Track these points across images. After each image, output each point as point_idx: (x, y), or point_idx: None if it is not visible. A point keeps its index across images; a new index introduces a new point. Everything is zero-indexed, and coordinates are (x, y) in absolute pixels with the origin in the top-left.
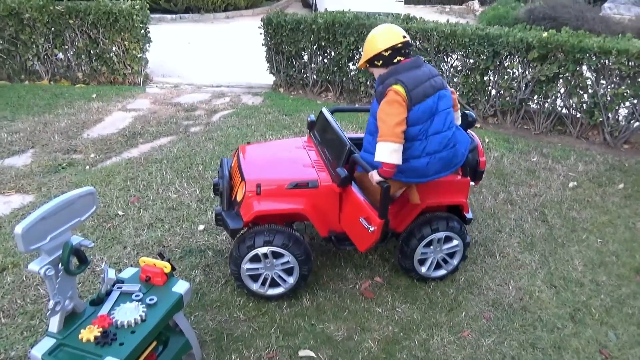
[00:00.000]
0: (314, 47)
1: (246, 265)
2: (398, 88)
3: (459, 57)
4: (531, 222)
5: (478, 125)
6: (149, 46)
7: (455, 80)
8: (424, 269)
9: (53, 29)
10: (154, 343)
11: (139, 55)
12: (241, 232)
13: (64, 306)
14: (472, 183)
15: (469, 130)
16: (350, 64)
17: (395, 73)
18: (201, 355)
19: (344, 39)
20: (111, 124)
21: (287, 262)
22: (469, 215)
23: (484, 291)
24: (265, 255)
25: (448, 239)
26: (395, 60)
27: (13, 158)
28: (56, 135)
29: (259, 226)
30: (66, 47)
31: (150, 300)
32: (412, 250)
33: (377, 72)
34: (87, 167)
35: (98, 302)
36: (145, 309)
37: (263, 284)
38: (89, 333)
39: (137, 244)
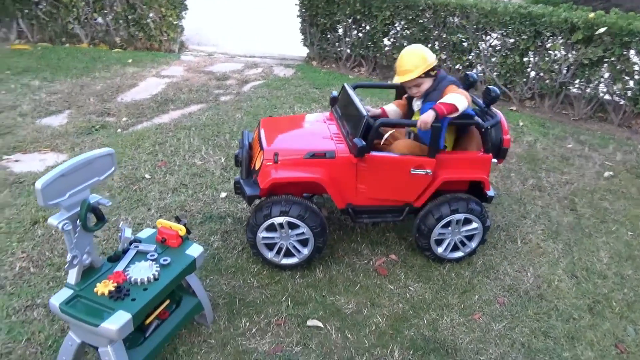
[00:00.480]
0: (349, 21)
1: (262, 234)
2: (454, 84)
3: (498, 36)
4: (559, 209)
5: (514, 107)
6: (185, 14)
7: (492, 60)
8: (440, 250)
9: None
10: (168, 301)
11: (175, 23)
12: (259, 201)
13: (82, 260)
14: (495, 161)
15: (492, 107)
16: (385, 39)
17: (443, 79)
18: (213, 317)
19: (380, 13)
20: (144, 90)
21: (302, 233)
22: (490, 192)
23: (500, 276)
24: (281, 225)
25: (467, 221)
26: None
27: (50, 118)
28: (92, 97)
29: (277, 196)
30: (105, 11)
31: (164, 260)
32: (430, 229)
33: (424, 82)
34: (119, 130)
35: (115, 259)
36: (158, 269)
37: (278, 253)
38: (104, 287)
39: (160, 206)
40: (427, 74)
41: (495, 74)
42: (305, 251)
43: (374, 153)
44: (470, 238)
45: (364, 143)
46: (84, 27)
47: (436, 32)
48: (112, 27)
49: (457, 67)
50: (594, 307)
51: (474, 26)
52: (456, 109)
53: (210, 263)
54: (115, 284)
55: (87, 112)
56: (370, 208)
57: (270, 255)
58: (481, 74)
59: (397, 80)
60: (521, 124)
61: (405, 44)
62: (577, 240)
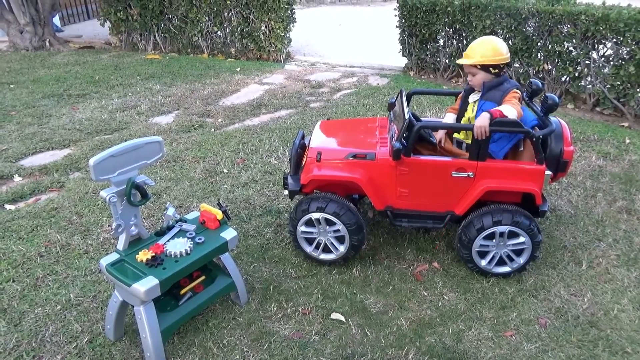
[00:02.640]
0: (449, 30)
1: (301, 228)
2: (518, 91)
3: (611, 45)
4: None
5: (626, 124)
6: (293, 26)
7: (604, 71)
8: (484, 262)
9: (215, 8)
10: (203, 277)
11: (282, 35)
12: (302, 197)
13: (128, 230)
14: (549, 173)
15: (552, 116)
16: None
17: (506, 81)
18: (247, 298)
19: (480, 22)
20: (244, 95)
21: (338, 230)
22: (542, 207)
23: (550, 297)
24: (319, 221)
25: (514, 235)
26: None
27: (160, 117)
28: (198, 101)
29: (317, 193)
30: (224, 25)
31: (199, 239)
32: (471, 240)
33: (478, 74)
34: (213, 129)
35: (160, 233)
36: (192, 245)
37: (317, 248)
38: (143, 255)
39: (229, 198)
40: (486, 68)
41: (607, 86)
42: (342, 248)
43: (414, 157)
44: (518, 253)
45: (399, 146)
46: (205, 40)
47: (540, 41)
48: (229, 39)
49: (563, 78)
50: None
51: (582, 34)
52: (504, 115)
53: (258, 251)
54: (153, 254)
55: (191, 113)
56: (411, 212)
57: (309, 249)
58: (589, 86)
59: (459, 60)
60: (627, 141)
61: None
62: None
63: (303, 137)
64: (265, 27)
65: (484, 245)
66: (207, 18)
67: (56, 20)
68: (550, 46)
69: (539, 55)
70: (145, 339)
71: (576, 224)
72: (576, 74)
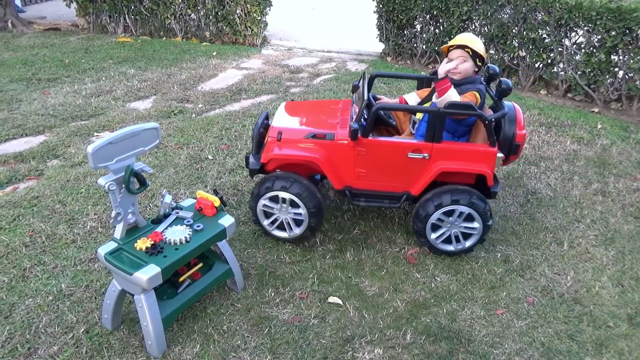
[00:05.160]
0: (426, 17)
1: (264, 202)
2: (477, 94)
3: (583, 33)
4: (620, 217)
5: (596, 109)
6: (269, 10)
7: (576, 58)
8: (434, 236)
9: None
10: (201, 264)
11: (258, 18)
12: (262, 175)
13: (126, 218)
14: (501, 155)
15: (507, 100)
16: None
17: (477, 82)
18: (243, 284)
19: (457, 9)
20: (223, 80)
21: (300, 214)
22: (494, 188)
23: (536, 276)
24: (284, 200)
25: (470, 218)
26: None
27: (137, 102)
28: (175, 86)
29: (282, 172)
30: (198, 7)
31: (197, 226)
32: (427, 215)
33: (468, 61)
34: (194, 115)
35: (157, 221)
36: (191, 233)
37: (273, 223)
38: (142, 243)
39: (216, 184)
40: (475, 58)
41: (578, 73)
42: (297, 230)
43: (372, 137)
44: (467, 237)
45: (357, 126)
46: (178, 22)
47: (515, 28)
48: (203, 22)
49: (536, 65)
50: (634, 317)
51: (556, 22)
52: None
53: (250, 238)
54: (152, 242)
55: (170, 98)
56: (369, 192)
57: (265, 222)
58: (562, 73)
59: (457, 40)
60: (599, 126)
61: (483, 41)
62: (633, 249)
63: (267, 118)
64: (241, 11)
65: (441, 219)
66: (180, 0)
67: (17, 0)
68: (525, 33)
69: (514, 42)
70: (146, 327)
71: (556, 206)
72: (549, 61)
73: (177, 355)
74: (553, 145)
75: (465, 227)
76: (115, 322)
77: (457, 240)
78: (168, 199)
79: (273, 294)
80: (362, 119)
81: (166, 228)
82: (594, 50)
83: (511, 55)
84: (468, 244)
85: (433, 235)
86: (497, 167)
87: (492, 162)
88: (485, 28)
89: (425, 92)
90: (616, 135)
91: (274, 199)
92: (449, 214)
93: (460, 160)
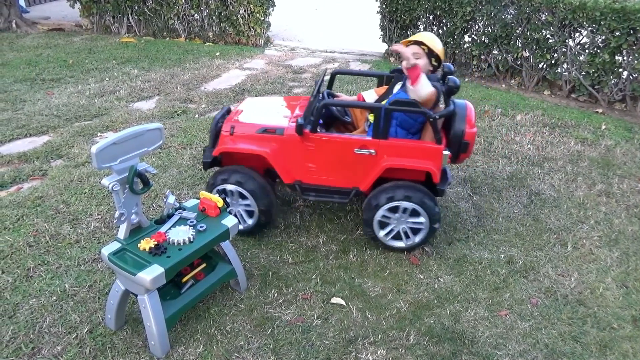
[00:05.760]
0: (430, 17)
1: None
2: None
3: (587, 33)
4: (625, 218)
5: (600, 110)
6: (272, 10)
7: (580, 59)
8: (382, 233)
9: None
10: (204, 265)
11: (261, 19)
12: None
13: (130, 219)
14: (447, 153)
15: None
16: (466, 37)
17: (431, 80)
18: (246, 284)
19: (460, 9)
20: (226, 80)
21: (249, 205)
22: (441, 185)
23: (540, 278)
24: (232, 193)
25: (416, 214)
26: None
27: (141, 102)
28: (179, 86)
29: (236, 166)
30: (201, 8)
31: (201, 227)
32: (377, 207)
33: (423, 58)
34: (197, 115)
35: (161, 221)
36: (194, 233)
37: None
38: (146, 244)
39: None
40: (431, 56)
41: (582, 73)
42: (250, 222)
43: (320, 133)
44: (415, 232)
45: (302, 121)
46: (182, 23)
47: (519, 28)
48: (207, 22)
49: (540, 65)
50: (639, 318)
51: (560, 22)
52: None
53: (253, 238)
54: (156, 242)
55: (173, 98)
56: (319, 187)
57: None
58: (565, 73)
59: (415, 36)
60: (603, 127)
61: (486, 41)
62: (637, 251)
63: (228, 112)
64: (244, 11)
65: (387, 216)
66: (183, 0)
67: (21, 0)
68: (528, 33)
69: (517, 42)
70: (149, 328)
71: (559, 207)
72: (553, 61)
73: (181, 356)
74: (557, 146)
75: (413, 223)
76: (118, 322)
77: (407, 237)
78: (171, 199)
79: (276, 294)
80: (311, 115)
81: (169, 228)
82: (598, 51)
83: (515, 56)
84: (418, 239)
85: (382, 233)
86: (444, 165)
87: (438, 159)
88: (489, 28)
89: (383, 89)
90: (620, 136)
91: (224, 191)
92: (394, 210)
93: (406, 157)
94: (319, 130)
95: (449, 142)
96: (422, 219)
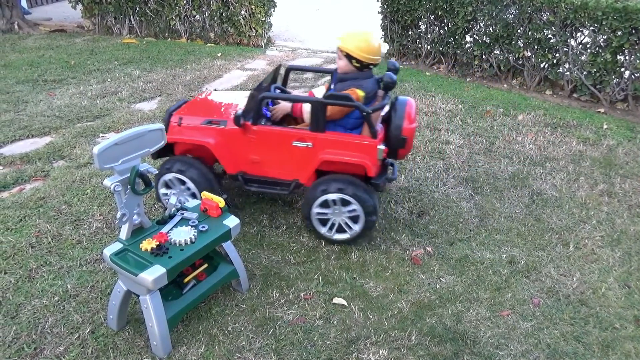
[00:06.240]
0: (431, 17)
1: (165, 178)
2: (357, 91)
3: (589, 33)
4: (627, 218)
5: (602, 110)
6: (274, 11)
7: (581, 58)
8: (324, 230)
9: None
10: (206, 265)
11: (263, 19)
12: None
13: (131, 219)
14: (382, 148)
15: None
16: (467, 36)
17: (361, 78)
18: (248, 285)
19: (462, 9)
20: (227, 81)
21: (189, 188)
22: (376, 179)
23: (542, 278)
24: (172, 181)
25: (347, 203)
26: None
27: (143, 103)
28: (180, 87)
29: (181, 156)
30: (203, 8)
31: (202, 227)
32: (311, 203)
33: (341, 60)
34: None
35: (162, 222)
36: (196, 234)
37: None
38: (147, 244)
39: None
40: (350, 58)
41: (584, 73)
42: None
43: (261, 125)
44: (355, 220)
45: (240, 113)
46: (183, 24)
47: (520, 28)
48: (208, 23)
49: (542, 65)
50: None
51: (562, 22)
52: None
53: (254, 238)
54: (157, 243)
55: (175, 99)
56: (262, 178)
57: (164, 200)
58: (567, 73)
59: (337, 38)
60: (605, 126)
61: (487, 41)
62: (639, 251)
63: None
64: (246, 12)
65: (324, 213)
66: (185, 1)
67: (23, 2)
68: (530, 33)
69: (519, 42)
70: (151, 328)
71: (561, 207)
72: (555, 61)
73: (182, 356)
74: (558, 146)
75: (349, 212)
76: (120, 323)
77: (350, 227)
78: (173, 199)
79: (278, 294)
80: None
81: (171, 229)
82: (600, 51)
83: (516, 56)
84: (357, 227)
85: (323, 230)
86: (379, 159)
87: (374, 153)
88: (490, 28)
89: (327, 86)
90: (622, 136)
91: (171, 180)
92: (327, 205)
93: (342, 151)
94: (264, 123)
95: (388, 137)
96: (354, 206)
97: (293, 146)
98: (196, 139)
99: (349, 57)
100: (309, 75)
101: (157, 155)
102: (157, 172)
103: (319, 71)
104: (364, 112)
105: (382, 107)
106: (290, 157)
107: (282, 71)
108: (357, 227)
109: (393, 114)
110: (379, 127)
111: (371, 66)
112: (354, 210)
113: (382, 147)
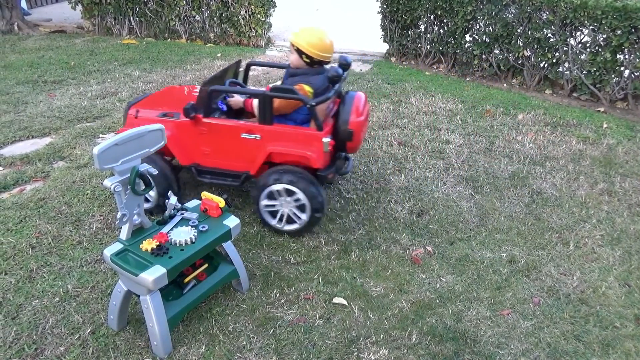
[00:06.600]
0: (431, 17)
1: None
2: (305, 87)
3: (588, 32)
4: (627, 217)
5: (602, 109)
6: (273, 11)
7: (581, 58)
8: (274, 221)
9: None
10: (206, 265)
11: (262, 20)
12: None
13: (132, 220)
14: (327, 140)
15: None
16: (467, 36)
17: (309, 74)
18: (248, 285)
19: (461, 9)
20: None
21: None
22: (321, 172)
23: (542, 277)
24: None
25: (292, 192)
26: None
27: None
28: None
29: None
30: (202, 9)
31: (203, 227)
32: (257, 196)
33: (292, 55)
34: None
35: (162, 222)
36: (196, 234)
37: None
38: (147, 244)
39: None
40: (300, 53)
41: (583, 72)
42: (151, 201)
43: (212, 118)
44: (302, 210)
45: (188, 105)
46: (183, 24)
47: (520, 28)
48: (208, 23)
49: (541, 64)
50: None
51: (561, 21)
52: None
53: (255, 238)
54: (158, 243)
55: None
56: (214, 170)
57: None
58: (567, 72)
59: (291, 33)
60: (605, 125)
61: (487, 41)
62: (639, 250)
63: None
64: (245, 12)
65: (272, 205)
66: (184, 2)
67: (23, 2)
68: (529, 33)
69: (518, 41)
70: (152, 328)
71: (561, 206)
72: (554, 60)
73: (183, 356)
74: (558, 145)
75: (295, 200)
76: (121, 323)
77: (298, 218)
78: (173, 200)
79: (278, 294)
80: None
81: (171, 229)
82: (600, 50)
83: (516, 55)
84: (305, 216)
85: (273, 221)
86: (325, 151)
87: (319, 146)
88: (490, 28)
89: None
90: (622, 135)
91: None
92: (273, 197)
93: (288, 143)
94: (218, 116)
95: (337, 130)
96: (299, 195)
97: (242, 138)
98: None
99: (299, 52)
100: None
101: None
102: (157, 172)
103: (276, 66)
104: (307, 104)
105: (325, 100)
106: (239, 149)
107: (243, 66)
108: (304, 216)
109: (341, 107)
110: (330, 120)
111: (323, 63)
112: (299, 199)
113: (327, 139)
